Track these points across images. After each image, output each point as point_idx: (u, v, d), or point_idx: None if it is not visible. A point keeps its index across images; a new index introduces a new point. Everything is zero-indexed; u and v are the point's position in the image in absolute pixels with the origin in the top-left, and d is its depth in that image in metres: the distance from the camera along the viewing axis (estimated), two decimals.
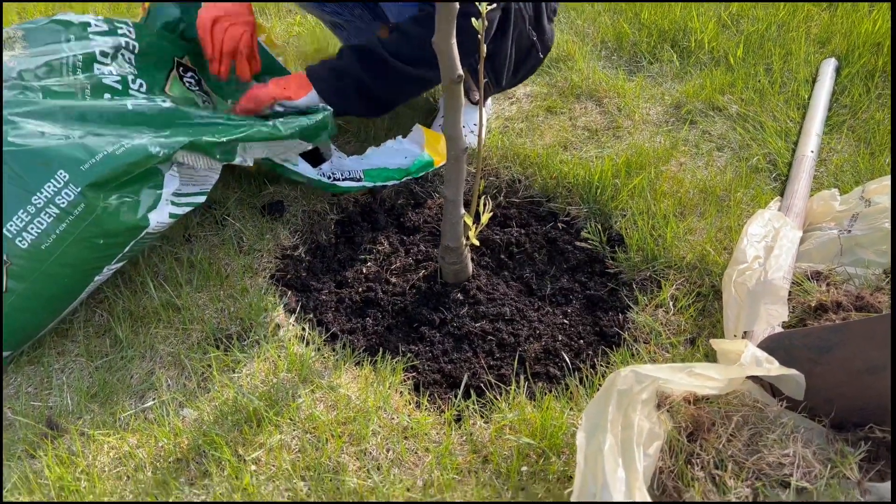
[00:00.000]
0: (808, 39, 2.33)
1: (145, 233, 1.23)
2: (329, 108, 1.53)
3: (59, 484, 1.04)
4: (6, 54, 1.25)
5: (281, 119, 1.44)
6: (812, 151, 1.80)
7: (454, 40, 1.17)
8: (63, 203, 1.11)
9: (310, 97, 1.52)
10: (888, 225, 1.47)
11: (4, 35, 1.28)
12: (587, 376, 1.30)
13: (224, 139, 1.28)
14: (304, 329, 1.38)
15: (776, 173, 1.78)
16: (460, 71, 1.20)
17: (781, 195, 1.69)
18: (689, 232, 1.57)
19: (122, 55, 1.39)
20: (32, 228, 1.10)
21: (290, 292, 1.49)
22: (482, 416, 1.21)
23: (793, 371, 1.08)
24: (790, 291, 1.39)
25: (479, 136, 1.30)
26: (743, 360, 1.06)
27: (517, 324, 1.43)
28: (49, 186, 1.10)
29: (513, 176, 1.78)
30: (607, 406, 0.99)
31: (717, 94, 2.08)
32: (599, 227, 1.61)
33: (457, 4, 1.13)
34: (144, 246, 1.30)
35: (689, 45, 2.32)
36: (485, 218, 1.40)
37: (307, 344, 1.35)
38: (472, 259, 1.56)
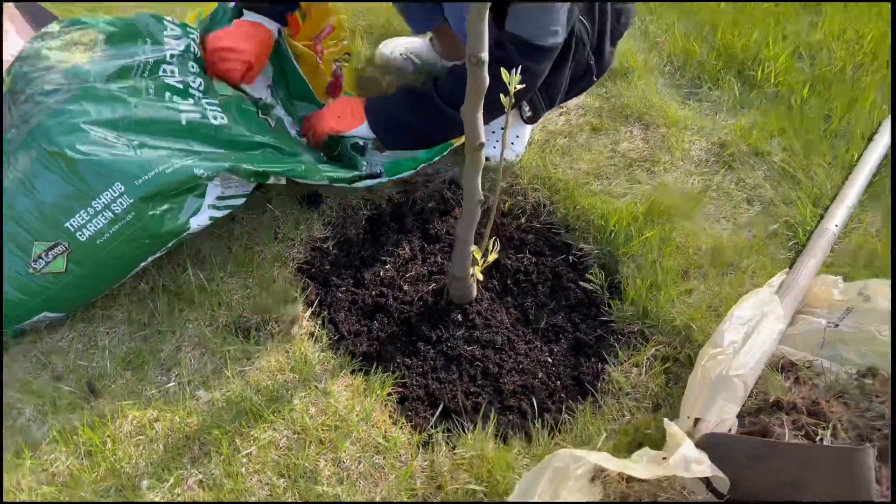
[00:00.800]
0: (883, 88, 2.27)
1: (186, 233, 1.41)
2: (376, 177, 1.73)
3: (88, 443, 1.28)
4: (86, 55, 1.40)
5: (321, 164, 1.58)
6: (836, 226, 1.82)
7: (481, 113, 1.26)
8: (117, 210, 1.29)
9: (361, 129, 1.66)
10: (875, 329, 1.53)
11: (87, 37, 1.43)
12: (550, 421, 1.45)
13: (261, 170, 1.43)
14: (316, 326, 1.56)
15: (794, 241, 1.82)
16: (482, 139, 1.30)
17: (791, 267, 1.74)
18: (686, 293, 1.66)
19: (187, 56, 1.53)
20: (90, 226, 1.29)
21: (312, 285, 1.66)
22: (448, 444, 1.39)
23: (718, 474, 1.20)
24: (761, 375, 1.49)
25: (497, 191, 1.41)
26: (672, 460, 1.19)
27: (505, 354, 1.58)
28: (107, 194, 1.28)
29: (539, 199, 1.87)
30: (539, 480, 1.14)
31: (766, 138, 2.08)
32: (604, 271, 1.71)
33: (487, 79, 1.22)
34: (186, 240, 1.49)
35: (756, 75, 2.30)
36: (491, 257, 1.52)
37: (315, 341, 1.53)
38: (482, 278, 1.70)
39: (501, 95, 1.23)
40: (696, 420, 1.38)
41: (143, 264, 1.43)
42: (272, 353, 1.47)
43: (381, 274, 1.72)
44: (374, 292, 1.68)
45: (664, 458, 1.25)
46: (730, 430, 1.37)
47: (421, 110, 1.64)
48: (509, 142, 1.98)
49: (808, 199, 1.91)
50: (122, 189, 1.28)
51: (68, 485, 1.23)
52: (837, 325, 1.57)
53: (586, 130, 2.09)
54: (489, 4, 1.13)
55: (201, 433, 1.32)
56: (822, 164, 2.01)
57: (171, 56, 1.52)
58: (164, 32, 1.52)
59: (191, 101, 1.48)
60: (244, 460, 1.28)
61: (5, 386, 1.38)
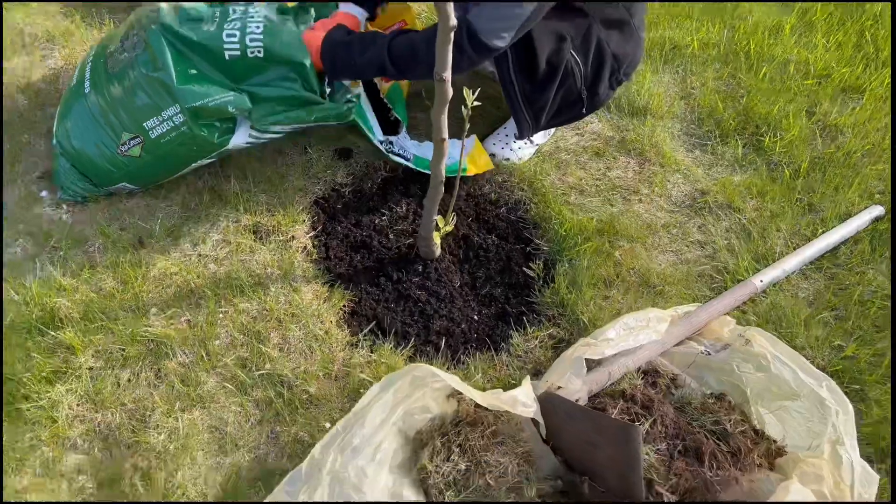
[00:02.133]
0: (880, 176, 2.46)
1: (225, 149, 1.96)
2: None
3: (126, 275, 1.85)
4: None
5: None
6: (762, 281, 2.10)
7: (445, 114, 1.70)
8: (177, 121, 1.86)
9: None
10: (736, 365, 1.84)
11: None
12: (450, 358, 1.88)
13: (274, 119, 1.92)
14: (311, 245, 2.07)
15: (719, 285, 2.13)
16: (445, 135, 1.73)
17: (703, 304, 2.05)
18: (603, 298, 2.02)
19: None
20: (158, 129, 1.87)
21: (321, 216, 2.17)
22: (370, 350, 1.85)
23: (538, 420, 1.60)
24: (627, 372, 1.85)
25: (456, 184, 1.84)
26: (505, 396, 1.60)
27: (444, 304, 2.02)
28: (170, 109, 1.85)
29: (522, 198, 2.28)
30: (399, 381, 1.59)
31: (744, 197, 2.36)
32: (546, 266, 2.10)
33: (450, 92, 1.65)
34: (230, 154, 2.03)
35: (765, 142, 2.56)
36: (448, 227, 1.96)
37: (307, 255, 2.04)
38: (451, 245, 2.14)
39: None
40: (559, 387, 1.77)
41: (193, 165, 2.00)
42: (270, 253, 2.00)
43: (377, 222, 2.20)
44: (365, 233, 2.16)
45: None
46: (577, 399, 1.75)
47: (370, 58, 1.91)
48: (518, 146, 2.38)
49: (750, 255, 2.19)
50: (179, 108, 1.83)
51: (106, 298, 1.82)
52: (710, 355, 1.89)
53: (589, 152, 2.46)
54: (454, 31, 1.55)
55: (200, 290, 1.86)
56: (781, 230, 2.28)
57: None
58: None
59: (236, 36, 1.88)
60: (220, 315, 1.82)
61: (89, 224, 1.99)
